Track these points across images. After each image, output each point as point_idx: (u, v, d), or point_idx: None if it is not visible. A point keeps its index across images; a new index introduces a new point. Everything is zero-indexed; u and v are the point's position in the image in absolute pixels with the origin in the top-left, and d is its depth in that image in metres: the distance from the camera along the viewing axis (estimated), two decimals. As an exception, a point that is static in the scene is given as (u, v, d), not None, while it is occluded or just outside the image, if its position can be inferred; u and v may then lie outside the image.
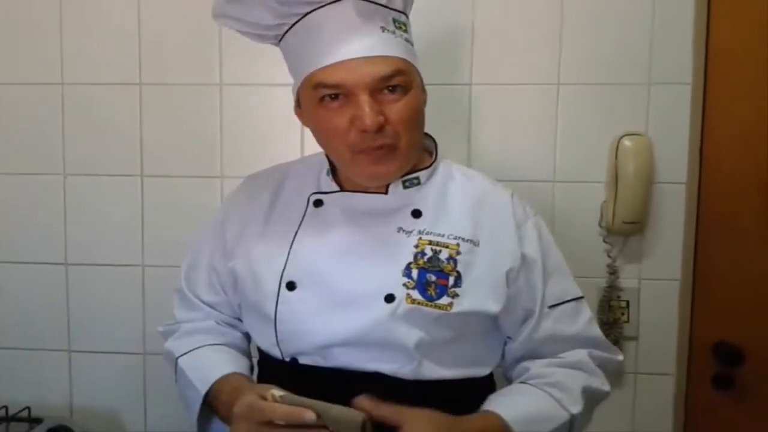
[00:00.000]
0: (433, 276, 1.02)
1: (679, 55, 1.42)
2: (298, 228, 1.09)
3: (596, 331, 1.13)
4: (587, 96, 1.45)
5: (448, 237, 1.05)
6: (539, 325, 1.08)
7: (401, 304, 1.01)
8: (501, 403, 1.02)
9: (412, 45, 1.04)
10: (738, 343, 1.46)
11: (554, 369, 1.08)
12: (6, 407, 1.47)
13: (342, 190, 1.09)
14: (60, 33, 1.53)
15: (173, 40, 1.51)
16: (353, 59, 0.97)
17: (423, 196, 1.08)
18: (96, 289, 1.57)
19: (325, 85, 0.98)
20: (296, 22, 1.00)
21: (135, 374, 1.58)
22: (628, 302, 1.48)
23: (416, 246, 1.04)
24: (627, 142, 1.41)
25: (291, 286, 1.05)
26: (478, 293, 1.04)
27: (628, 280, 1.48)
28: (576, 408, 1.03)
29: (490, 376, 1.13)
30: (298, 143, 1.47)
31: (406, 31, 1.03)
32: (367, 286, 1.02)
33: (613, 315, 1.47)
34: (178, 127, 1.53)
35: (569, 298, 1.10)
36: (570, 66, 1.45)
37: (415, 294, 1.01)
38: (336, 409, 0.87)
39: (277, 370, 1.09)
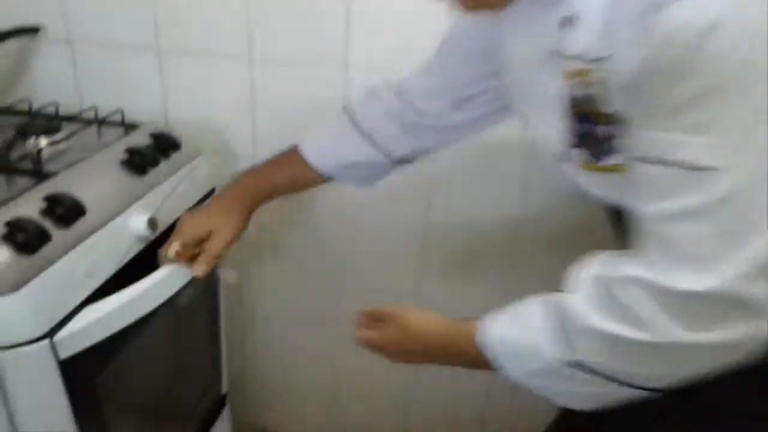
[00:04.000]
0: None
1: None
2: None
3: (688, 231, 0.62)
4: None
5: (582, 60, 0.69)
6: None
7: None
8: (495, 319, 0.79)
9: None
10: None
11: (584, 281, 0.72)
12: (95, 108, 1.27)
13: None
14: None
15: None
16: None
17: None
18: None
19: None
20: None
21: (241, 84, 1.34)
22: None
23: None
24: None
25: None
26: None
27: None
28: (566, 352, 0.71)
29: None
30: None
31: None
32: None
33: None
34: None
35: (675, 159, 0.61)
36: None
37: None
38: None
39: None
